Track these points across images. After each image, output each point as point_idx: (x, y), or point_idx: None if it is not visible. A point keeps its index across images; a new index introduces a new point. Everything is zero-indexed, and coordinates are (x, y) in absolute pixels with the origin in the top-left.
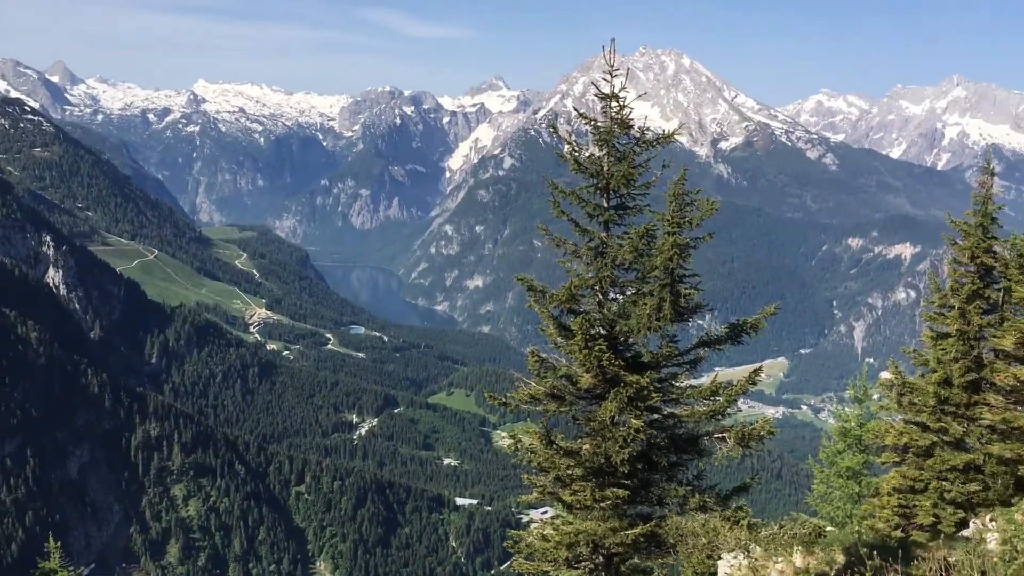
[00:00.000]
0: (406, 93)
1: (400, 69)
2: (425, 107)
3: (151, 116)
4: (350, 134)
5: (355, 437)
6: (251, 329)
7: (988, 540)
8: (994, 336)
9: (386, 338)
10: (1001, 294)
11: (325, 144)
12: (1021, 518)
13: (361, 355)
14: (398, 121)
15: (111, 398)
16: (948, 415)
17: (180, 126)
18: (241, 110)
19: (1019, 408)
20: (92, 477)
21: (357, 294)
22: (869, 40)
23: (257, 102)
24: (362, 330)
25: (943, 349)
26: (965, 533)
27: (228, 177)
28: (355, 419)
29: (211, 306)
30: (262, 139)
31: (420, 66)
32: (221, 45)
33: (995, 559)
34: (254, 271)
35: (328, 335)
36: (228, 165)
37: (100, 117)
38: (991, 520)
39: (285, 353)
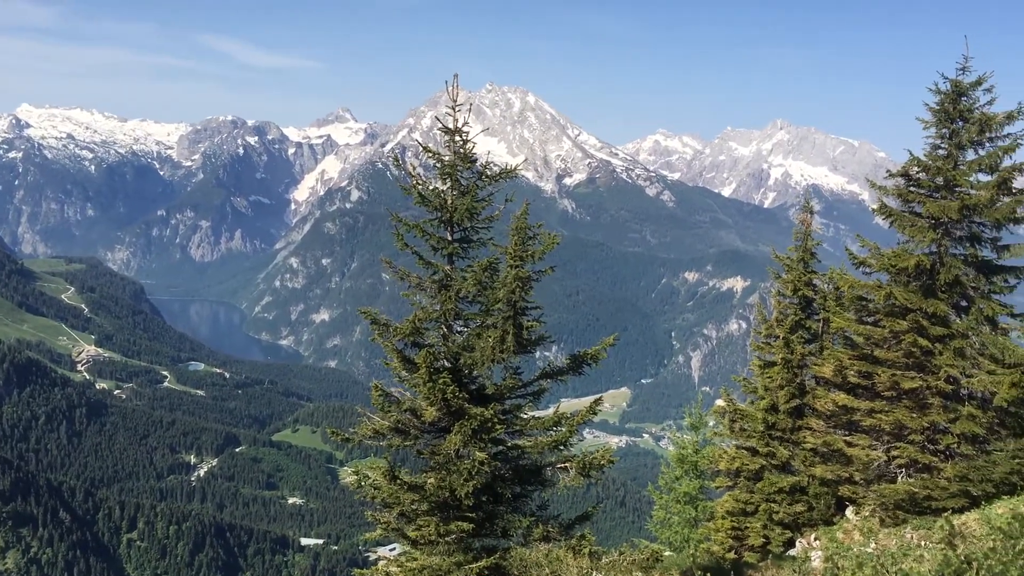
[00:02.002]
0: (249, 123)
1: (243, 98)
2: (269, 137)
3: None
4: (189, 163)
5: (193, 479)
6: (79, 367)
7: (812, 558)
8: (815, 364)
9: (227, 374)
10: (821, 324)
11: (162, 173)
12: (842, 536)
13: (200, 392)
14: (241, 151)
15: None
16: (775, 440)
17: (1, 152)
18: (70, 136)
19: (838, 432)
20: None
21: (196, 329)
22: (702, 83)
23: (87, 128)
24: (201, 366)
25: (770, 377)
26: (792, 552)
27: (55, 206)
28: (193, 460)
29: (33, 343)
30: (92, 167)
31: (264, 96)
32: (47, 68)
33: None
34: (82, 305)
35: (164, 372)
36: (55, 194)
37: None
38: (815, 539)
39: (117, 392)
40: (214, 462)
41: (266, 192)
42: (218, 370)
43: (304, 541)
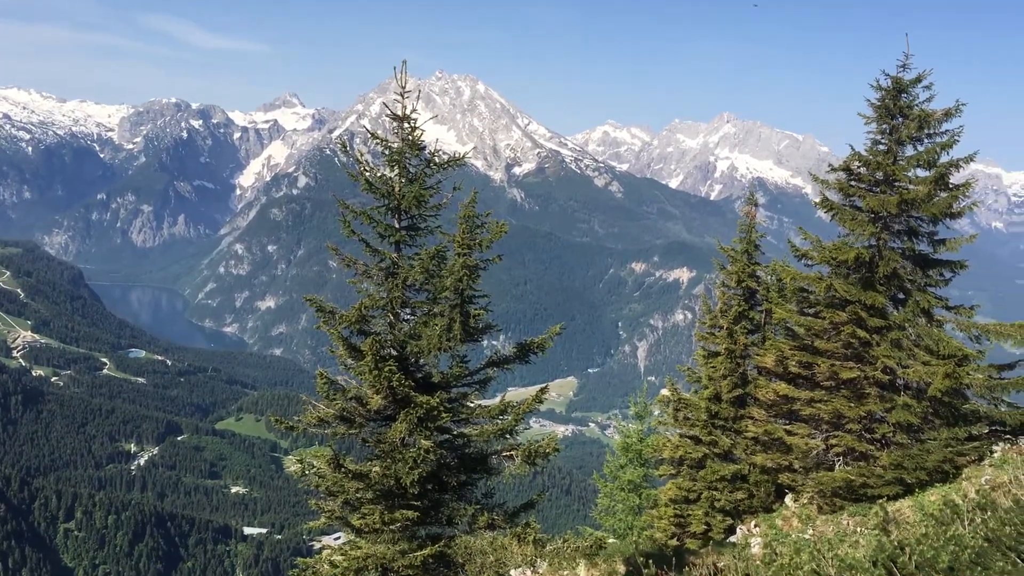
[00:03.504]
0: (194, 106)
1: (187, 81)
2: (214, 121)
3: None
4: (131, 146)
5: (133, 468)
6: (14, 353)
7: (752, 544)
8: (757, 355)
9: (169, 362)
10: (763, 315)
11: (103, 156)
12: (781, 523)
13: (141, 380)
14: (185, 134)
15: None
16: (718, 429)
17: None
18: (6, 116)
19: (779, 421)
20: None
21: (137, 315)
22: (650, 75)
23: (24, 108)
24: (143, 353)
25: (713, 367)
26: (733, 539)
27: None
28: (133, 448)
29: None
30: (29, 148)
31: (209, 79)
32: None
33: (758, 562)
34: (18, 290)
35: (104, 359)
36: None
37: None
38: (755, 526)
39: (54, 379)
40: (155, 451)
41: (210, 177)
42: (160, 357)
43: (247, 530)
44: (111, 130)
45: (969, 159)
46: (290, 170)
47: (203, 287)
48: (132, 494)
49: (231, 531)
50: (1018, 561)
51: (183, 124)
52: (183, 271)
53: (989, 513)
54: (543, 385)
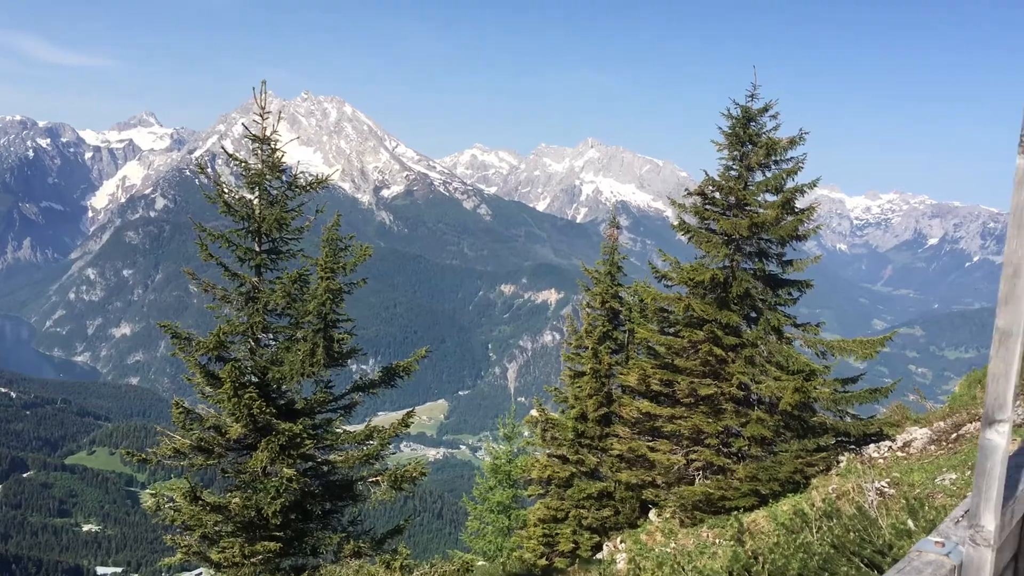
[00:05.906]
0: (40, 124)
1: (34, 98)
2: (64, 140)
3: None
4: None
5: None
6: None
7: (618, 560)
8: (621, 374)
9: (13, 394)
10: (626, 335)
11: None
12: (645, 537)
13: None
14: (31, 154)
15: None
16: (584, 447)
17: None
18: None
19: (642, 438)
20: None
21: None
22: (517, 101)
23: None
24: None
25: (579, 386)
26: (600, 555)
27: None
28: None
29: None
30: None
31: (58, 96)
32: None
33: None
34: None
35: None
36: None
37: None
38: (621, 542)
39: None
40: None
41: (59, 198)
42: (3, 389)
43: (100, 570)
44: None
45: (812, 184)
46: (147, 191)
47: (51, 314)
48: None
49: (83, 572)
50: (861, 566)
51: (29, 143)
52: (29, 297)
53: (835, 520)
54: (409, 409)
